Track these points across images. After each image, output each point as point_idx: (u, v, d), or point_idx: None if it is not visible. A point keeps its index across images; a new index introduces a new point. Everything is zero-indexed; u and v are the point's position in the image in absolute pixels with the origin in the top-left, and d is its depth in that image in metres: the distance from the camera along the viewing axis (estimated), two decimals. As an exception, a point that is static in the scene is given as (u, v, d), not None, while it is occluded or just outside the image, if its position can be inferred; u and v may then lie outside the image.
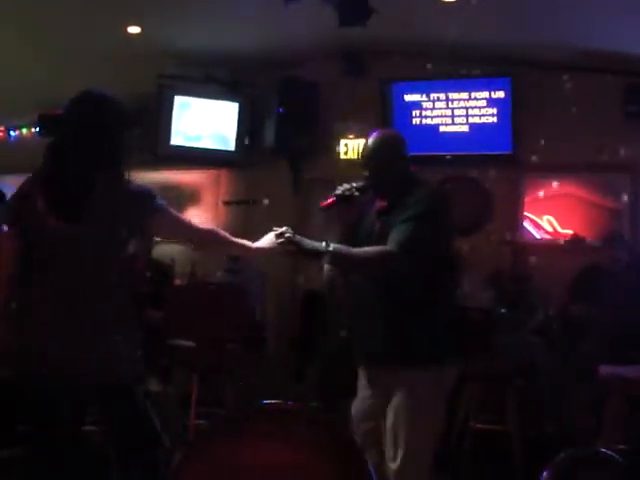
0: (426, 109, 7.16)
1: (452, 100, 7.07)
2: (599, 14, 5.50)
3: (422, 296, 3.11)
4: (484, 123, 6.95)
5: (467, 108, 7.01)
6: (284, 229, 3.12)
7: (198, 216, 7.95)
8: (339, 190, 3.29)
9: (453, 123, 7.08)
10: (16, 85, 7.35)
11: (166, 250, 6.79)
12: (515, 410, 5.13)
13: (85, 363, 2.77)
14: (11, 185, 8.49)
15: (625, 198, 6.56)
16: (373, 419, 3.23)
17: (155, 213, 2.82)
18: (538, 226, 6.84)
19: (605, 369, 4.67)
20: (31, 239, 2.80)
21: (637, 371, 4.58)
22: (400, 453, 3.05)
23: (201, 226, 3.08)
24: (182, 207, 7.84)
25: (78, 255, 2.77)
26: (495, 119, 6.91)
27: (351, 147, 7.47)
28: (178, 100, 7.53)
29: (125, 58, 6.65)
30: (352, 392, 3.38)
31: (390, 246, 3.03)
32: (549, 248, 6.68)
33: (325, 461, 1.87)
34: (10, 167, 8.85)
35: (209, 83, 7.58)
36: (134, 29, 6.44)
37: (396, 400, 3.09)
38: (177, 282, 6.93)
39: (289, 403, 2.01)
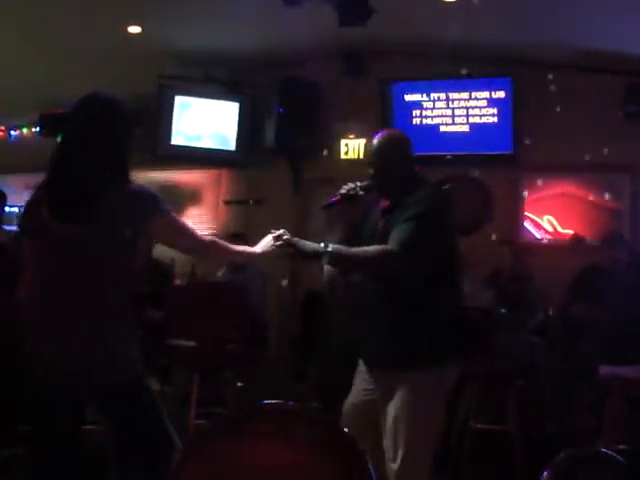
0: (426, 109, 7.16)
1: (452, 100, 7.07)
2: (599, 14, 5.50)
3: (422, 296, 3.11)
4: (484, 123, 6.95)
5: (467, 108, 7.02)
6: (281, 231, 3.12)
7: (199, 216, 7.96)
8: (344, 189, 3.30)
9: (453, 123, 7.08)
10: (16, 85, 7.35)
11: (166, 250, 6.77)
12: (515, 410, 5.13)
13: (81, 363, 2.78)
14: (12, 185, 8.54)
15: (625, 198, 6.56)
16: (365, 415, 3.23)
17: (156, 214, 2.82)
18: (538, 226, 6.84)
19: (605, 369, 4.67)
20: (35, 240, 2.82)
21: (637, 371, 4.58)
22: (400, 453, 3.06)
23: (203, 237, 3.04)
24: (183, 207, 7.85)
25: (76, 255, 2.77)
26: (495, 119, 6.91)
27: (351, 147, 7.47)
28: (178, 100, 7.54)
29: (125, 58, 6.66)
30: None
31: (391, 245, 3.03)
32: (549, 248, 6.68)
33: (326, 461, 1.87)
34: (11, 167, 8.88)
35: (209, 83, 7.59)
36: (134, 29, 6.45)
37: (396, 400, 3.09)
38: (177, 282, 6.94)
39: (290, 403, 2.01)
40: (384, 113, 7.14)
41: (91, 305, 2.78)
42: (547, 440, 5.03)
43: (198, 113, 7.60)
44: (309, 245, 3.09)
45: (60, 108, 8.58)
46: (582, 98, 6.54)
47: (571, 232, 6.60)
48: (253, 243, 3.26)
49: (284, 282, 5.87)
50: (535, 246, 6.70)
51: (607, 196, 6.59)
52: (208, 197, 8.14)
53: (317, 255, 3.04)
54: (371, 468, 1.83)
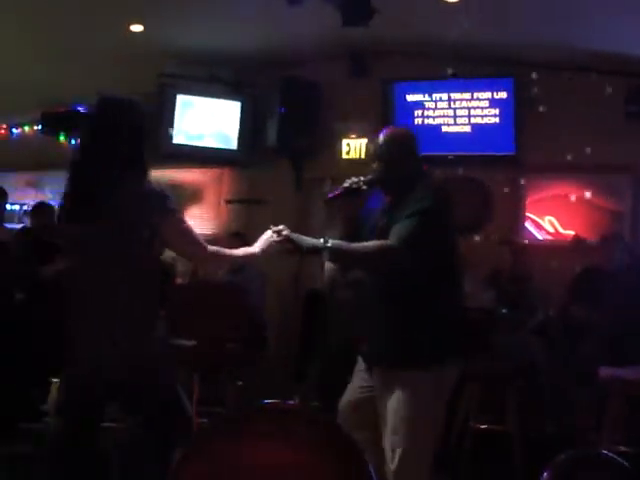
0: (428, 109, 7.16)
1: (454, 100, 7.07)
2: (600, 15, 5.50)
3: (423, 296, 3.11)
4: (486, 124, 6.94)
5: (469, 108, 7.01)
6: (281, 227, 3.13)
7: (200, 215, 7.96)
8: (347, 183, 3.30)
9: (455, 123, 7.07)
10: (18, 83, 7.37)
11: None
12: (515, 410, 5.13)
13: (91, 362, 2.80)
14: (14, 182, 8.54)
15: (626, 199, 6.55)
16: (360, 413, 3.22)
17: (163, 213, 2.82)
18: (539, 227, 6.84)
19: (605, 370, 4.67)
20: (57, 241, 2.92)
21: (637, 372, 4.58)
22: (399, 453, 3.05)
23: (205, 245, 3.02)
24: (184, 206, 7.85)
25: (91, 254, 2.83)
26: (497, 120, 6.90)
27: (353, 147, 7.47)
28: (180, 99, 7.54)
29: (126, 57, 6.67)
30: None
31: (391, 241, 3.03)
32: (550, 249, 6.67)
33: (325, 461, 1.87)
34: (12, 165, 8.89)
35: (211, 82, 7.59)
36: (135, 28, 6.45)
37: (396, 400, 3.08)
38: (178, 281, 6.94)
39: (289, 403, 2.01)
40: (386, 113, 7.14)
41: (100, 303, 2.81)
42: (547, 440, 5.03)
43: (200, 112, 7.60)
44: (308, 240, 3.09)
45: (62, 106, 8.60)
46: (584, 99, 6.54)
47: (572, 233, 6.60)
48: (254, 242, 3.26)
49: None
50: (535, 247, 6.70)
51: (608, 197, 6.58)
52: (209, 196, 8.14)
53: (316, 250, 3.04)
54: (371, 468, 1.83)
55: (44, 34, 6.43)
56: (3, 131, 9.39)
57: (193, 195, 8.12)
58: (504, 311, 5.75)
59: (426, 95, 7.16)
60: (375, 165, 3.31)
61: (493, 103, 6.92)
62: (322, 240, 3.04)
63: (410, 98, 7.20)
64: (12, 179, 8.69)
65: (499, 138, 6.87)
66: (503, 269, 6.30)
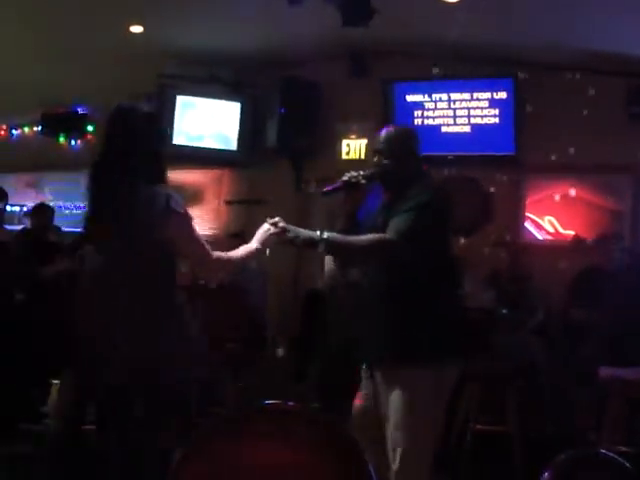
0: (428, 109, 7.16)
1: (454, 101, 7.07)
2: (602, 15, 5.50)
3: (423, 295, 3.11)
4: (486, 124, 6.94)
5: (469, 109, 7.01)
6: (277, 219, 3.13)
7: (200, 216, 7.96)
8: (346, 176, 3.30)
9: (455, 124, 7.07)
10: (18, 84, 7.37)
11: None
12: (515, 410, 5.13)
13: (92, 363, 2.84)
14: (13, 184, 8.54)
15: (627, 199, 6.55)
16: (372, 417, 3.23)
17: (170, 214, 2.82)
18: (539, 227, 6.84)
19: (605, 371, 4.67)
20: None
21: (637, 373, 4.58)
22: (400, 453, 3.05)
23: (210, 252, 3.00)
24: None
25: (107, 262, 2.91)
26: (497, 120, 6.90)
27: (353, 147, 7.47)
28: (180, 100, 7.54)
29: (126, 58, 6.66)
30: (353, 392, 3.38)
31: (389, 234, 3.04)
32: (550, 249, 6.67)
33: (325, 461, 1.87)
34: (12, 166, 8.89)
35: (211, 83, 7.59)
36: (135, 28, 6.45)
37: (397, 399, 3.08)
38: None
39: (289, 403, 2.01)
40: (386, 113, 7.13)
41: (107, 306, 2.85)
42: (547, 440, 5.03)
43: (200, 113, 7.61)
44: (305, 233, 3.09)
45: (62, 107, 8.60)
46: (584, 99, 6.54)
47: (572, 233, 6.60)
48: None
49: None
50: (535, 247, 6.70)
51: (608, 197, 6.58)
52: (209, 197, 8.15)
53: (313, 243, 3.04)
54: (371, 468, 1.83)
55: (44, 34, 6.43)
56: (3, 132, 9.40)
57: (193, 196, 8.11)
58: (504, 311, 5.75)
59: (426, 95, 7.16)
60: (376, 159, 3.32)
61: (493, 103, 6.92)
62: (318, 232, 3.04)
63: (410, 98, 7.20)
64: (12, 180, 8.69)
65: (499, 138, 6.87)
66: (503, 269, 6.30)
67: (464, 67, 6.89)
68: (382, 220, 3.20)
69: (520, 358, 5.32)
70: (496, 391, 5.30)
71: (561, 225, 6.75)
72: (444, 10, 5.71)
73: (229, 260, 3.06)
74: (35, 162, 8.84)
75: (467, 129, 7.02)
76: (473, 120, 6.99)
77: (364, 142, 7.33)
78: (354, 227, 3.26)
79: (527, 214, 6.87)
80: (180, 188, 7.92)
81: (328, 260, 4.41)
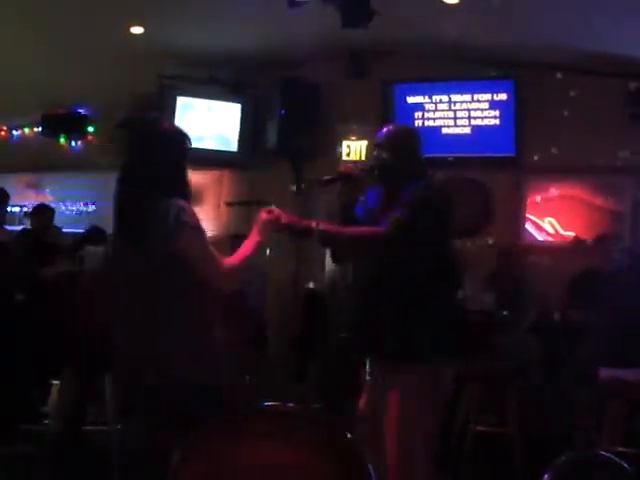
0: (428, 111, 7.17)
1: (454, 102, 7.08)
2: (601, 16, 5.50)
3: (422, 295, 3.11)
4: (486, 125, 6.95)
5: (469, 110, 7.02)
6: (273, 207, 3.14)
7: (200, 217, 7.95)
8: (343, 168, 3.34)
9: (455, 125, 7.08)
10: (18, 85, 7.36)
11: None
12: (515, 410, 5.13)
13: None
14: (14, 184, 8.54)
15: (627, 200, 6.55)
16: (372, 417, 3.23)
17: (183, 226, 2.83)
18: (540, 228, 6.84)
19: (605, 372, 4.67)
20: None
21: (637, 374, 4.58)
22: (398, 452, 3.04)
23: (221, 267, 2.95)
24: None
25: (129, 275, 2.95)
26: (497, 121, 6.91)
27: (353, 148, 7.47)
28: (180, 101, 7.54)
29: (126, 58, 6.66)
30: (353, 392, 3.38)
31: (384, 228, 3.05)
32: (550, 250, 6.67)
33: (325, 461, 1.88)
34: (13, 166, 8.89)
35: (211, 84, 7.59)
36: (136, 29, 6.45)
37: (395, 398, 3.08)
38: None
39: (288, 405, 2.01)
40: (386, 115, 7.14)
41: (139, 317, 2.90)
42: (547, 441, 5.03)
43: (200, 114, 7.60)
44: (300, 222, 3.10)
45: (62, 108, 8.60)
46: (585, 100, 6.54)
47: (572, 234, 6.60)
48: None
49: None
50: (536, 248, 6.71)
51: (608, 198, 6.58)
52: (210, 198, 8.14)
53: (307, 232, 3.04)
54: (370, 468, 1.83)
55: (44, 34, 6.42)
56: (3, 133, 9.39)
57: (193, 197, 8.10)
58: (505, 313, 5.76)
59: (426, 97, 7.17)
60: (375, 153, 3.33)
61: (493, 105, 6.93)
62: (314, 223, 3.05)
63: (410, 100, 7.21)
64: (12, 181, 8.69)
65: (499, 139, 6.88)
66: (500, 271, 6.32)
67: (464, 68, 6.90)
68: (381, 218, 3.21)
69: (520, 358, 5.33)
70: (496, 391, 5.30)
71: (561, 226, 6.76)
72: (444, 11, 5.71)
73: (239, 268, 3.05)
74: (35, 163, 8.84)
75: (467, 130, 7.03)
76: (473, 121, 7.00)
77: (364, 143, 7.33)
78: (351, 221, 3.27)
79: (527, 215, 6.87)
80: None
81: (328, 261, 4.42)
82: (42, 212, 6.88)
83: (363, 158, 7.25)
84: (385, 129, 3.38)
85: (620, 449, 4.26)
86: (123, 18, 6.22)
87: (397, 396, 3.07)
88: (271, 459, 1.88)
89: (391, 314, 3.12)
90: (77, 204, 8.98)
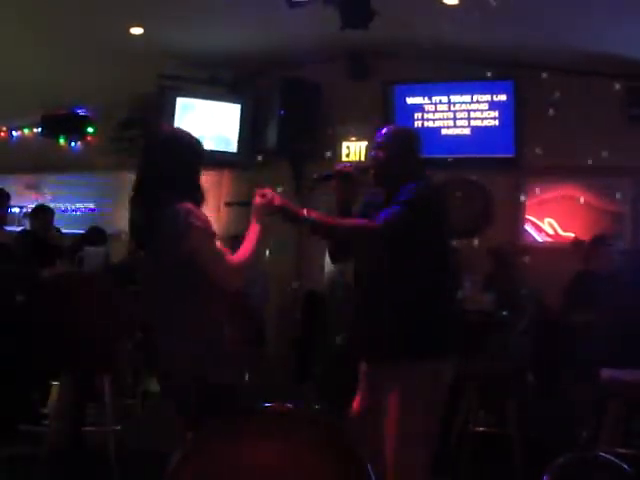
0: (428, 112, 7.17)
1: (454, 103, 7.09)
2: (601, 17, 5.51)
3: (419, 294, 3.11)
4: (486, 126, 6.96)
5: (469, 111, 7.03)
6: (266, 189, 3.16)
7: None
8: (339, 166, 3.39)
9: (455, 126, 7.09)
10: (18, 86, 7.37)
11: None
12: (515, 411, 5.13)
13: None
14: (13, 185, 8.55)
15: (627, 201, 6.56)
16: (367, 416, 3.23)
17: (190, 228, 2.86)
18: (539, 229, 6.84)
19: (605, 372, 4.66)
20: None
21: (636, 375, 4.58)
22: (395, 452, 3.04)
23: (230, 264, 3.01)
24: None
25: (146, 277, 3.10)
26: (497, 122, 6.92)
27: (353, 149, 7.47)
28: (180, 101, 7.54)
29: (126, 59, 6.66)
30: (353, 392, 3.38)
31: (376, 222, 3.08)
32: (550, 251, 6.68)
33: (325, 461, 1.88)
34: (12, 167, 8.89)
35: (211, 84, 7.59)
36: (136, 29, 6.45)
37: (394, 397, 3.07)
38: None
39: (289, 405, 2.02)
40: (386, 115, 7.14)
41: (159, 317, 3.00)
42: (547, 441, 5.03)
43: (200, 114, 7.60)
44: (293, 207, 3.11)
45: (62, 109, 8.60)
46: (584, 101, 6.54)
47: (572, 235, 6.60)
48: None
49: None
50: (535, 249, 6.71)
51: (609, 199, 6.59)
52: (209, 199, 7.97)
53: (298, 219, 3.07)
54: (370, 468, 1.83)
55: (44, 34, 6.43)
56: (3, 133, 9.39)
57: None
58: (504, 313, 5.76)
59: (426, 98, 7.17)
60: (374, 153, 3.36)
61: (493, 105, 6.94)
62: (305, 211, 3.06)
63: (410, 100, 7.22)
64: (12, 181, 8.69)
65: (499, 140, 6.89)
66: (498, 272, 6.32)
67: (464, 69, 6.90)
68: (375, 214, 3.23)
69: (519, 358, 5.33)
70: (496, 392, 5.30)
71: (561, 227, 6.76)
72: (444, 12, 5.71)
73: (246, 263, 3.07)
74: (35, 163, 8.84)
75: (467, 131, 7.04)
76: (473, 122, 7.01)
77: (364, 144, 7.33)
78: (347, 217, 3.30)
79: (527, 216, 6.87)
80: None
81: (328, 261, 4.42)
82: (42, 213, 6.89)
83: (363, 159, 7.25)
84: (384, 130, 3.39)
85: (620, 450, 4.26)
86: (123, 18, 6.22)
87: (396, 397, 3.06)
88: (271, 459, 1.88)
89: (389, 314, 3.12)
90: (77, 204, 8.98)
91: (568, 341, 5.37)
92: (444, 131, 7.12)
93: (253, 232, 3.08)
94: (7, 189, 6.73)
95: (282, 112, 7.16)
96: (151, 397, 5.79)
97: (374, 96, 7.18)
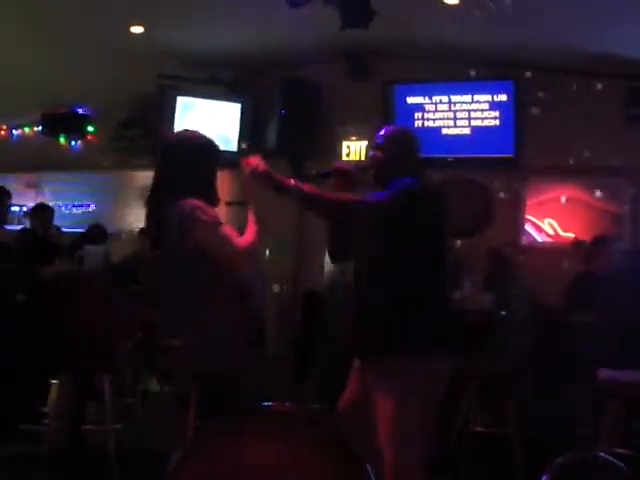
0: (428, 111, 7.17)
1: (454, 103, 7.09)
2: (601, 17, 5.51)
3: (413, 293, 3.10)
4: (486, 126, 6.96)
5: (469, 111, 7.03)
6: (252, 158, 3.19)
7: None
8: (339, 164, 3.48)
9: (455, 126, 7.09)
10: (18, 85, 7.37)
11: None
12: (515, 411, 5.13)
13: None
14: (13, 184, 8.56)
15: (627, 201, 6.56)
16: (355, 411, 3.23)
17: (195, 222, 2.89)
18: (539, 229, 6.85)
19: (604, 373, 4.67)
20: None
21: (636, 375, 4.58)
22: (389, 451, 3.02)
23: (238, 248, 3.06)
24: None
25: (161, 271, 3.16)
26: (497, 122, 6.92)
27: (353, 149, 7.48)
28: (180, 101, 7.54)
29: (126, 58, 6.67)
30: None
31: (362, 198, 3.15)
32: (550, 251, 6.68)
33: (325, 461, 1.88)
34: (12, 166, 8.89)
35: (211, 84, 7.59)
36: (137, 29, 6.45)
37: (386, 397, 3.06)
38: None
39: (289, 404, 2.02)
40: (386, 115, 7.14)
41: (172, 311, 3.06)
42: (546, 441, 5.03)
43: (200, 114, 7.60)
44: (279, 176, 3.19)
45: (62, 108, 8.60)
46: (584, 101, 6.55)
47: (572, 235, 6.61)
48: None
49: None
50: (535, 249, 6.72)
51: (608, 199, 6.59)
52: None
53: (283, 187, 3.13)
54: (369, 468, 1.83)
55: (44, 34, 6.43)
56: (3, 132, 9.40)
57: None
58: (503, 313, 5.76)
59: (426, 97, 7.17)
60: (372, 153, 3.38)
61: (493, 106, 6.94)
62: (292, 180, 3.10)
63: (410, 100, 7.22)
64: (12, 180, 8.68)
65: (499, 140, 6.89)
66: (498, 272, 6.32)
67: (464, 69, 6.91)
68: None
69: (519, 358, 5.34)
70: (496, 392, 5.31)
71: (561, 227, 6.76)
72: (444, 12, 5.71)
73: (255, 243, 3.11)
74: (35, 162, 8.84)
75: (467, 131, 7.04)
76: (473, 122, 7.01)
77: (364, 144, 7.33)
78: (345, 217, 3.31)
79: (527, 216, 6.88)
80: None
81: (328, 261, 4.42)
82: (42, 212, 6.89)
83: (363, 159, 7.25)
84: (383, 130, 3.41)
85: (619, 450, 4.26)
86: (123, 18, 6.22)
87: (391, 395, 3.05)
88: (271, 459, 1.88)
89: (387, 312, 3.12)
90: (77, 204, 8.99)
91: (568, 341, 5.37)
92: (444, 131, 7.12)
93: (251, 214, 3.15)
94: (7, 188, 6.73)
95: (282, 111, 7.16)
96: (151, 396, 5.79)
97: (374, 96, 7.18)
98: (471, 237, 6.79)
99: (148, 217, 3.14)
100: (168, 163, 3.13)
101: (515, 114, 6.80)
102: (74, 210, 8.97)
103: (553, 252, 6.62)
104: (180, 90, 7.58)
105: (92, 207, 8.89)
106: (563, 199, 6.75)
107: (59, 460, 4.56)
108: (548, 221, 6.82)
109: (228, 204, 7.98)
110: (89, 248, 6.12)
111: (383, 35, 5.89)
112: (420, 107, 7.19)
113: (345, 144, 7.50)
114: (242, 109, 7.62)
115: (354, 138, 7.45)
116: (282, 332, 7.10)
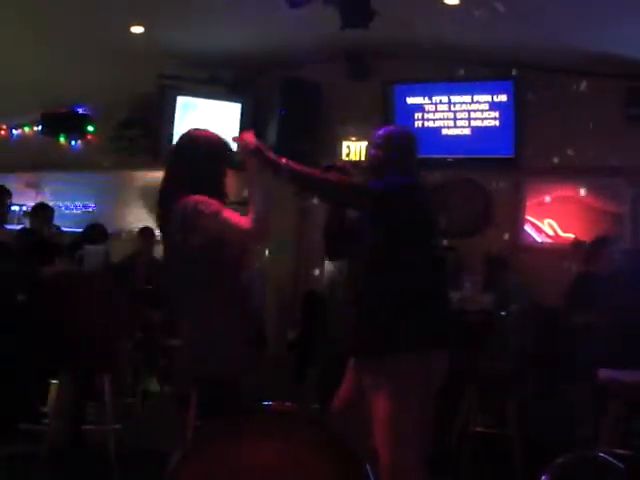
0: (428, 112, 7.18)
1: (454, 103, 7.09)
2: (601, 17, 5.51)
3: (409, 292, 3.10)
4: (486, 126, 6.96)
5: (469, 111, 7.03)
6: (244, 134, 3.24)
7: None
8: (338, 162, 3.46)
9: (455, 126, 7.09)
10: (18, 84, 7.37)
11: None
12: (515, 411, 5.13)
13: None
14: (13, 184, 8.56)
15: (626, 202, 6.56)
16: (349, 411, 3.23)
17: (199, 216, 2.90)
18: (539, 230, 6.85)
19: (604, 373, 4.67)
20: None
21: (636, 375, 4.58)
22: (386, 451, 3.01)
23: (248, 226, 3.04)
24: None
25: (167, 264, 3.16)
26: (497, 122, 6.92)
27: (353, 149, 7.48)
28: (180, 100, 7.54)
29: (127, 58, 6.67)
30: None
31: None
32: (550, 252, 6.68)
33: (325, 461, 1.88)
34: (12, 166, 8.89)
35: (212, 84, 7.59)
36: (137, 29, 6.46)
37: (381, 397, 3.06)
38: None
39: (287, 404, 2.02)
40: (386, 115, 7.15)
41: (178, 309, 3.07)
42: (547, 441, 5.04)
43: (200, 114, 7.61)
44: (271, 154, 3.16)
45: (62, 107, 8.61)
46: (583, 102, 6.55)
47: (572, 236, 6.61)
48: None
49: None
50: (535, 249, 6.72)
51: (608, 200, 6.59)
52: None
53: (273, 164, 3.12)
54: (369, 469, 1.83)
55: (44, 34, 6.43)
56: (3, 132, 9.40)
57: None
58: (503, 313, 5.76)
59: (426, 98, 7.18)
60: (371, 153, 3.39)
61: (493, 106, 6.94)
62: (284, 160, 3.10)
63: (410, 100, 7.22)
64: (12, 180, 8.68)
65: (499, 141, 6.89)
66: (497, 272, 6.33)
67: (464, 69, 6.91)
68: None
69: (519, 358, 5.34)
70: (496, 392, 5.31)
71: (561, 228, 6.76)
72: (444, 12, 5.71)
73: (263, 215, 3.09)
74: (35, 162, 8.84)
75: (467, 131, 7.04)
76: (473, 122, 7.01)
77: (364, 144, 7.33)
78: (343, 216, 3.34)
79: (527, 217, 6.88)
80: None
81: (328, 262, 4.42)
82: (42, 211, 6.88)
83: (363, 159, 7.25)
84: (382, 130, 3.41)
85: (619, 451, 4.26)
86: (123, 18, 6.22)
87: (390, 395, 3.04)
88: (271, 459, 1.88)
89: (384, 311, 3.12)
90: (77, 203, 8.98)
91: (568, 341, 5.38)
92: (444, 131, 7.12)
93: (252, 187, 3.15)
94: (7, 187, 6.72)
95: (282, 111, 7.16)
96: (151, 396, 5.79)
97: (374, 96, 7.18)
98: (471, 237, 6.80)
99: (164, 218, 3.09)
100: (180, 162, 3.12)
101: (515, 114, 6.80)
102: (74, 210, 8.97)
103: (553, 252, 6.62)
104: (180, 90, 7.58)
105: (92, 207, 8.89)
106: (563, 199, 6.75)
107: (59, 460, 4.55)
108: (548, 221, 6.82)
109: (228, 204, 8.02)
110: (89, 248, 6.12)
111: (383, 35, 5.90)
112: (420, 107, 7.19)
113: (345, 144, 7.50)
114: (242, 109, 7.63)
115: (354, 138, 7.45)
116: (282, 332, 7.10)
